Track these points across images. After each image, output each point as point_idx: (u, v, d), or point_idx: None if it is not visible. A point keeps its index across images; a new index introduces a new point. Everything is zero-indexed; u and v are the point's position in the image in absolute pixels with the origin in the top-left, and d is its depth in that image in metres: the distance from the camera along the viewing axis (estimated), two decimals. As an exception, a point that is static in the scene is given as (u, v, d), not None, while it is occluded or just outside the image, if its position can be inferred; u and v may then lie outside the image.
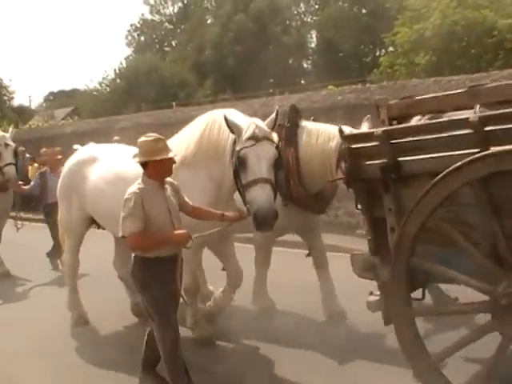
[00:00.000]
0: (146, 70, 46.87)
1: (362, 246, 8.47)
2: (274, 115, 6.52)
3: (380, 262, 5.31)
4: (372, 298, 5.35)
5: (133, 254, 5.72)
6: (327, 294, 8.18)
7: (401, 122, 5.88)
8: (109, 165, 7.90)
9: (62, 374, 6.92)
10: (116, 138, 18.15)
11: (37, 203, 14.98)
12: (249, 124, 6.21)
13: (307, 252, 8.39)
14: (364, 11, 50.42)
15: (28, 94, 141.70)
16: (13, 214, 13.35)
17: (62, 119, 36.92)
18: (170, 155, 5.64)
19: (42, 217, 13.72)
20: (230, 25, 48.05)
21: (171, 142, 6.67)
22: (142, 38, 64.16)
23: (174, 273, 5.71)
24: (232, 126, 6.19)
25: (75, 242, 8.65)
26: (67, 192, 8.47)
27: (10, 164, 11.83)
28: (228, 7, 51.29)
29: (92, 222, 8.50)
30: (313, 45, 55.60)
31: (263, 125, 6.31)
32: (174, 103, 29.46)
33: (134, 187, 5.55)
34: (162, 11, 65.58)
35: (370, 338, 7.18)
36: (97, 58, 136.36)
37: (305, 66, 55.60)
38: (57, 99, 69.21)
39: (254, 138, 6.10)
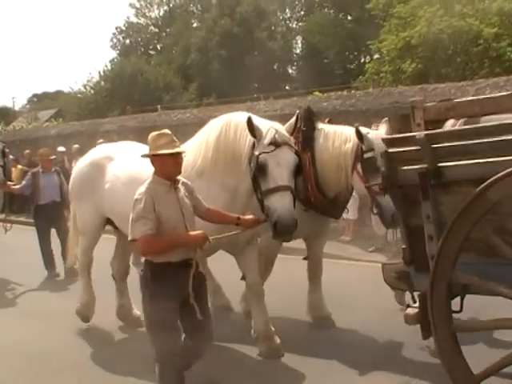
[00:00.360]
0: (131, 72, 46.71)
1: (348, 252, 8.38)
2: (293, 120, 6.41)
3: (415, 271, 5.13)
4: (410, 311, 5.08)
5: (143, 259, 5.43)
6: (315, 302, 8.19)
7: (437, 126, 5.74)
8: (125, 164, 7.67)
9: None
10: (100, 140, 18.06)
11: (24, 204, 14.85)
12: (268, 128, 6.06)
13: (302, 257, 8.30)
14: (349, 18, 50.57)
15: (11, 95, 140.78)
16: (1, 216, 13.14)
17: (46, 121, 36.62)
18: (172, 151, 5.28)
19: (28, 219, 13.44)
20: (216, 29, 47.98)
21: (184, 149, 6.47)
22: (128, 41, 63.91)
23: (185, 279, 5.28)
24: (253, 131, 5.98)
25: (90, 242, 8.46)
26: (81, 192, 8.25)
27: None
28: (214, 11, 51.23)
29: (107, 222, 8.26)
30: (298, 50, 55.64)
31: (283, 130, 6.18)
32: (158, 106, 29.34)
33: (144, 187, 5.28)
34: (147, 14, 65.36)
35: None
36: (82, 60, 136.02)
37: (290, 71, 55.63)
38: (41, 101, 68.79)
39: (275, 144, 5.92)
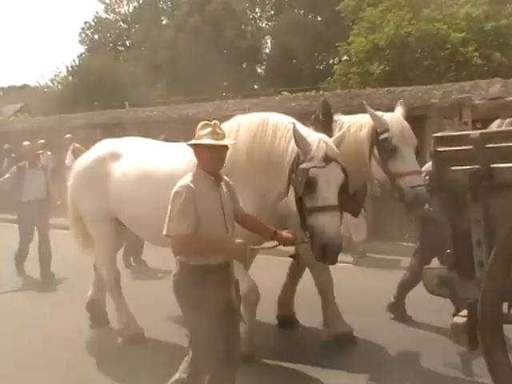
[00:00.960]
0: (99, 68, 46.33)
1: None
2: (342, 133, 6.16)
3: (459, 277, 4.83)
4: (458, 320, 4.80)
5: (177, 260, 4.95)
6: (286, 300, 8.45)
7: (485, 125, 5.58)
8: (135, 161, 7.30)
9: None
10: (68, 135, 18.00)
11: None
12: (318, 141, 5.66)
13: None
14: (319, 19, 50.74)
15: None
16: None
17: (12, 116, 36.22)
18: (214, 142, 4.87)
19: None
20: (185, 26, 47.81)
21: None
22: (96, 36, 63.33)
23: (227, 284, 4.92)
24: (300, 140, 5.62)
25: (107, 249, 7.88)
26: (85, 192, 7.76)
27: None
28: (183, 8, 51.05)
29: (119, 223, 7.69)
30: (267, 50, 55.67)
31: (332, 143, 5.80)
32: (126, 103, 29.18)
33: (186, 180, 4.84)
34: (116, 10, 64.89)
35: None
36: (49, 54, 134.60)
37: (259, 71, 55.61)
38: (6, 94, 67.89)
39: (326, 159, 5.56)
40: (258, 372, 6.58)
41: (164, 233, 4.78)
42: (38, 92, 51.16)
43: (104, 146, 7.98)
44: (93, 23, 63.24)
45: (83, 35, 63.33)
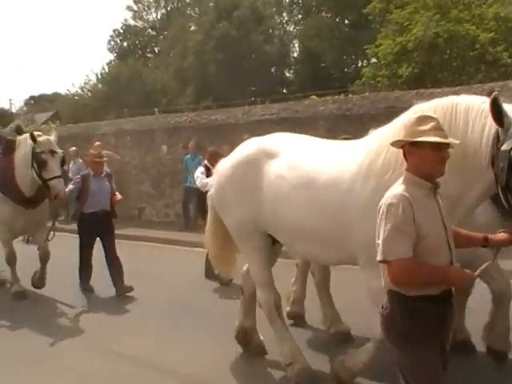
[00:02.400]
0: (128, 75, 46.77)
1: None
2: None
3: None
4: None
5: (387, 289, 4.05)
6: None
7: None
8: (295, 163, 6.01)
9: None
10: (97, 143, 18.15)
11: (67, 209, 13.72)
12: None
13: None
14: (346, 22, 50.65)
15: (8, 97, 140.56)
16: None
17: (43, 123, 36.55)
18: (440, 140, 3.91)
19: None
20: (213, 32, 47.99)
21: (380, 136, 5.38)
22: (125, 44, 63.96)
23: (445, 319, 4.04)
24: (504, 116, 4.38)
25: (261, 268, 6.57)
26: (230, 201, 6.52)
27: (57, 177, 9.69)
28: (211, 15, 51.25)
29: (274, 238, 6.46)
30: (295, 54, 55.71)
31: None
32: (155, 110, 29.37)
33: (399, 189, 3.94)
34: (145, 17, 65.52)
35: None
36: (79, 62, 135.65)
37: (287, 75, 55.62)
38: (38, 103, 68.64)
39: None
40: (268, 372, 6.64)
41: (378, 258, 3.90)
42: (68, 100, 51.68)
43: (253, 145, 6.66)
44: (121, 31, 63.86)
45: (112, 43, 64.04)
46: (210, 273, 10.84)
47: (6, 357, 7.60)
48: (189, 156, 17.00)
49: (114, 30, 64.17)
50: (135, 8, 64.54)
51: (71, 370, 7.08)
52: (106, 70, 52.97)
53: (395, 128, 5.20)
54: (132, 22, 64.78)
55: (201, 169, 11.49)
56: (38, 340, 8.19)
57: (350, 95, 19.15)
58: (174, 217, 18.46)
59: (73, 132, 22.62)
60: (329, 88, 30.00)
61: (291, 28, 57.80)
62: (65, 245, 10.94)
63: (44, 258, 10.35)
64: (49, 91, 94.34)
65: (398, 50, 25.05)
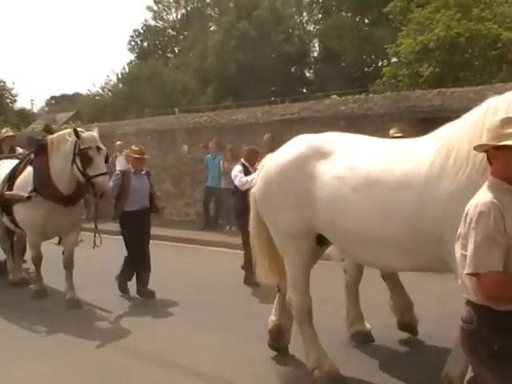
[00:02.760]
0: (149, 75, 46.90)
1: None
2: None
3: None
4: None
5: (471, 301, 3.80)
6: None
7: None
8: (354, 163, 5.66)
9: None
10: (118, 142, 18.21)
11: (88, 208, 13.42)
12: None
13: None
14: (366, 21, 50.53)
15: (30, 97, 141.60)
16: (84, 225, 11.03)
17: (64, 123, 36.78)
18: None
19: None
20: (233, 32, 48.04)
21: (447, 134, 5.24)
22: (145, 44, 64.16)
23: None
24: None
25: (301, 272, 6.26)
26: (280, 199, 6.12)
27: (103, 174, 9.33)
28: (231, 15, 51.30)
29: (319, 240, 6.18)
30: (315, 54, 55.60)
31: None
32: (176, 109, 29.44)
33: (487, 196, 3.66)
34: (165, 17, 65.67)
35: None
36: (100, 62, 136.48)
37: (307, 74, 55.55)
38: (59, 103, 69.15)
39: None
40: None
41: (468, 271, 3.65)
42: (89, 100, 51.94)
43: (304, 142, 6.25)
44: (142, 31, 64.07)
45: (132, 43, 64.29)
46: (248, 280, 10.55)
47: (47, 359, 7.52)
48: (209, 155, 17.05)
49: (134, 30, 64.44)
50: (155, 8, 64.77)
51: (100, 371, 7.09)
52: (127, 69, 53.18)
53: (464, 126, 5.10)
54: (152, 22, 65.05)
55: (238, 167, 11.05)
56: (74, 342, 8.13)
57: (370, 95, 19.06)
58: (194, 216, 18.48)
59: (94, 132, 22.67)
60: (349, 88, 29.94)
61: (311, 27, 57.74)
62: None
63: (69, 265, 10.00)
64: (70, 91, 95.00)
65: (419, 49, 24.94)
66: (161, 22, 65.60)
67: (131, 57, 64.95)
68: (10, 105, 58.45)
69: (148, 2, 75.70)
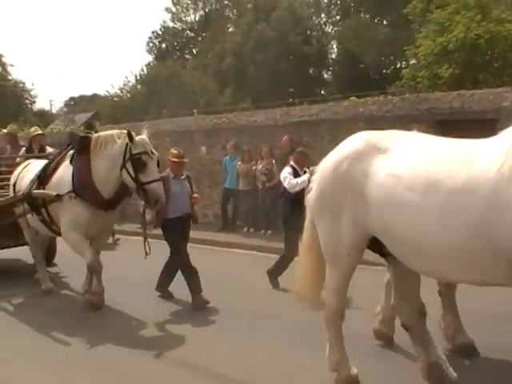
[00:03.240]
0: (167, 76, 46.97)
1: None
2: None
3: None
4: None
5: None
6: None
7: None
8: (412, 161, 5.28)
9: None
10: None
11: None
12: None
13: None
14: (385, 22, 50.40)
15: (49, 98, 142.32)
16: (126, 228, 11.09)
17: (82, 124, 37.03)
18: None
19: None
20: (251, 33, 48.11)
21: None
22: (164, 45, 64.36)
23: None
24: None
25: (344, 274, 5.94)
26: (335, 201, 5.72)
27: (156, 180, 8.94)
28: (249, 16, 51.39)
29: (372, 244, 5.79)
30: (333, 55, 55.57)
31: None
32: (194, 111, 29.47)
33: None
34: (183, 19, 65.85)
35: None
36: (118, 64, 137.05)
37: (325, 76, 55.52)
38: (77, 104, 69.47)
39: None
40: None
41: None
42: (107, 101, 52.07)
43: (361, 138, 5.92)
44: (160, 32, 64.30)
45: (151, 44, 64.53)
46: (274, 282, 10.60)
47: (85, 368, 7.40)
48: (227, 157, 17.06)
49: (152, 32, 64.68)
50: (174, 10, 64.98)
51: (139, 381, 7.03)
52: (145, 71, 53.28)
53: None
54: (170, 24, 65.25)
55: (288, 169, 10.69)
56: (109, 350, 7.95)
57: (389, 96, 19.00)
58: (212, 217, 18.48)
59: (113, 133, 22.75)
60: (367, 89, 29.87)
61: (329, 29, 57.70)
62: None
63: (97, 268, 9.45)
64: (88, 92, 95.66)
65: (438, 51, 24.82)
66: (179, 24, 65.81)
67: (149, 58, 65.04)
68: (29, 106, 58.94)
69: (166, 3, 75.84)
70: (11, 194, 10.77)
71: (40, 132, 13.40)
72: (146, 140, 9.09)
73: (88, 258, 9.38)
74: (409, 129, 11.47)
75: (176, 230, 9.75)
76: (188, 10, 65.59)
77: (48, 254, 12.29)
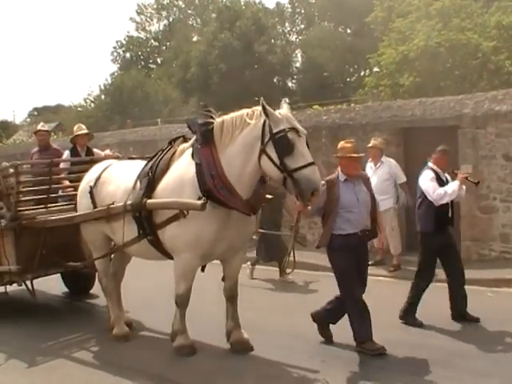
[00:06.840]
0: (131, 86, 46.77)
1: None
2: None
3: None
4: None
5: None
6: None
7: None
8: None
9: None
10: (107, 150, 18.13)
11: None
12: None
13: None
14: (349, 31, 50.78)
15: (12, 108, 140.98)
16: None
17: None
18: None
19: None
20: (215, 43, 48.06)
21: None
22: (128, 55, 64.09)
23: None
24: None
25: None
26: None
27: (311, 164, 6.61)
28: (213, 25, 51.35)
29: None
30: (298, 64, 55.79)
31: None
32: (158, 120, 29.37)
33: None
34: (147, 28, 65.76)
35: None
36: (82, 74, 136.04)
37: (289, 85, 55.67)
38: (41, 114, 68.72)
39: None
40: None
41: None
42: (71, 111, 51.67)
43: None
44: (124, 42, 64.02)
45: (115, 54, 64.23)
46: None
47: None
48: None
49: (116, 42, 64.46)
50: (138, 19, 64.87)
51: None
52: (109, 81, 53.03)
53: None
54: (135, 34, 65.11)
55: (429, 174, 8.46)
56: None
57: (352, 105, 19.12)
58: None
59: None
60: (331, 97, 30.02)
61: (293, 38, 57.99)
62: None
63: (233, 296, 7.76)
64: (52, 103, 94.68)
65: (399, 60, 25.12)
66: (143, 33, 65.72)
67: (114, 68, 64.95)
68: (-9, 116, 58.38)
69: (131, 13, 75.70)
70: (82, 204, 8.51)
71: (84, 131, 11.21)
72: (289, 114, 7.04)
73: (181, 289, 7.43)
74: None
75: (349, 253, 7.35)
76: (152, 20, 65.55)
77: (87, 281, 10.55)
